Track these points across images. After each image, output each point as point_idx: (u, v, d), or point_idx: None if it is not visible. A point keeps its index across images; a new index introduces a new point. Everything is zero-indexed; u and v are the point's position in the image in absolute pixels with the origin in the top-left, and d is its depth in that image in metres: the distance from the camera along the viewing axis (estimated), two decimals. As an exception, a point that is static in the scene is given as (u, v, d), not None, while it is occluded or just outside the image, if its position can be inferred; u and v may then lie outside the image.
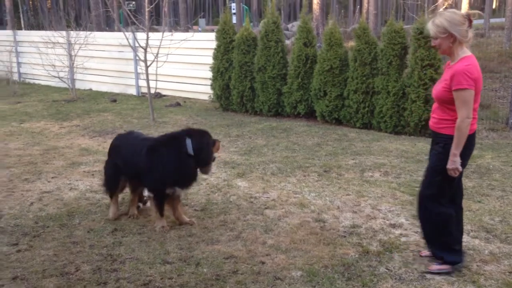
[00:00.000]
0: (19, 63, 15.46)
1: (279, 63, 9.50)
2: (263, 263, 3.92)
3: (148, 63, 9.51)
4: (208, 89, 10.86)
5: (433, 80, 7.70)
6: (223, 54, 10.18)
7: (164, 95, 12.24)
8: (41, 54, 12.75)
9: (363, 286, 3.55)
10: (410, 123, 8.00)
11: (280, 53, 9.50)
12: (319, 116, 9.09)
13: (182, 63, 11.80)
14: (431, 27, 3.56)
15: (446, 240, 3.74)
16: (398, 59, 8.12)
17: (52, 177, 6.11)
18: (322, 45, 9.20)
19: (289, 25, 26.95)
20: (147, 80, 9.68)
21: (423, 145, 7.32)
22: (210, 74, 10.59)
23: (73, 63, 12.57)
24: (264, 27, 9.73)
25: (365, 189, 5.57)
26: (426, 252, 3.98)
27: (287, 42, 10.77)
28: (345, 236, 4.38)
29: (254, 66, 9.73)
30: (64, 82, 12.74)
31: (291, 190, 5.63)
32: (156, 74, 10.61)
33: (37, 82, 15.02)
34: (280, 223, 4.70)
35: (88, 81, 13.70)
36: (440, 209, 3.68)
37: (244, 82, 9.92)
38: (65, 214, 4.90)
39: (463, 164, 3.55)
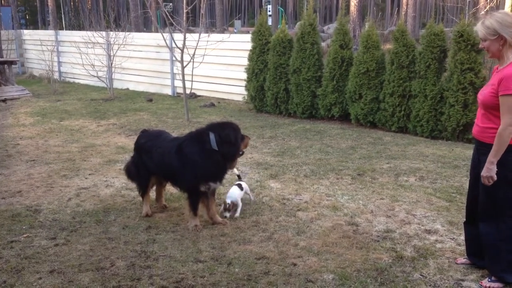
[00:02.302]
0: (59, 62, 15.92)
1: (314, 65, 9.46)
2: (294, 265, 3.91)
3: (184, 63, 9.63)
4: (242, 90, 10.91)
5: (473, 84, 7.51)
6: (258, 55, 10.21)
7: (199, 96, 12.36)
8: (81, 53, 13.09)
9: (396, 292, 3.49)
10: (447, 128, 7.82)
11: (316, 55, 9.45)
12: (353, 119, 8.99)
13: (217, 64, 11.90)
14: (480, 28, 3.42)
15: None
16: (437, 62, 7.95)
17: (89, 174, 6.26)
18: (358, 47, 9.11)
19: (325, 27, 26.79)
20: (183, 80, 9.80)
21: (461, 151, 7.14)
22: (244, 75, 10.64)
23: (111, 63, 12.85)
24: (300, 29, 9.71)
25: (400, 193, 5.47)
26: (462, 260, 3.88)
27: (323, 44, 10.68)
28: (378, 241, 4.32)
29: (289, 68, 9.72)
30: (103, 81, 13.04)
31: (324, 192, 5.58)
32: (192, 75, 10.72)
33: (76, 81, 15.43)
34: (313, 226, 4.67)
35: (126, 81, 13.98)
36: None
37: (278, 84, 9.92)
38: (101, 210, 5.01)
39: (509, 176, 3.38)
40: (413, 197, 5.33)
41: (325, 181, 5.98)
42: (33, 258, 3.97)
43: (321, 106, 9.45)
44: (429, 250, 4.07)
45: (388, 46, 10.77)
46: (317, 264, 3.91)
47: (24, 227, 4.57)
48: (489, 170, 3.35)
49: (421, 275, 3.70)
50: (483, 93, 3.44)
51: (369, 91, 8.64)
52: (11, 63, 13.39)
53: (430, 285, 3.57)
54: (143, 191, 4.93)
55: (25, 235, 4.39)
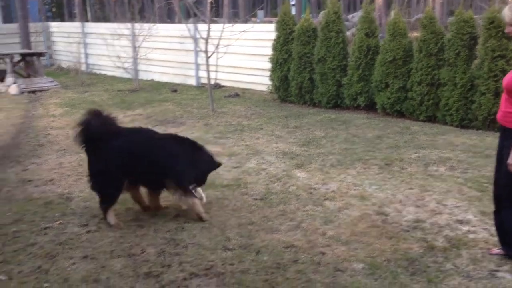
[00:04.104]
0: (86, 54, 16.12)
1: (339, 54, 9.35)
2: (323, 253, 3.90)
3: (209, 54, 9.64)
4: (267, 80, 10.87)
5: (504, 72, 7.30)
6: (282, 45, 10.15)
7: (223, 86, 12.37)
8: (107, 45, 13.22)
9: (428, 282, 3.45)
10: (478, 117, 7.65)
11: (341, 44, 9.34)
12: (380, 108, 8.88)
13: (241, 54, 11.87)
14: (507, 13, 3.36)
15: None
16: (467, 49, 7.77)
17: (118, 163, 6.34)
18: (385, 35, 8.97)
19: (349, 16, 26.44)
20: (208, 70, 9.82)
21: (492, 140, 6.97)
22: (268, 65, 10.59)
23: (137, 54, 12.96)
24: (324, 18, 9.61)
25: (429, 183, 5.39)
26: (496, 250, 3.81)
27: (347, 33, 10.53)
28: (408, 231, 4.27)
29: (314, 57, 9.64)
30: (128, 72, 13.17)
31: (351, 182, 5.54)
32: (217, 65, 10.74)
33: (103, 72, 15.61)
34: (340, 215, 4.65)
35: (151, 72, 14.08)
36: None
37: (303, 74, 9.85)
38: (130, 199, 5.07)
39: None
40: (443, 187, 5.25)
41: (352, 170, 5.94)
42: (66, 244, 4.06)
43: (347, 95, 9.36)
44: (461, 241, 4.01)
45: (414, 34, 10.56)
46: (346, 254, 3.90)
47: (57, 214, 4.67)
48: None
49: (454, 266, 3.65)
50: (507, 78, 3.43)
51: (396, 80, 8.51)
52: (39, 55, 13.61)
53: (463, 276, 3.52)
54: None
55: (58, 222, 4.49)
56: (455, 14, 8.12)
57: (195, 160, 4.65)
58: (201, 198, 4.75)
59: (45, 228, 4.38)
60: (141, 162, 4.45)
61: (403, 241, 4.07)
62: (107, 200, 4.47)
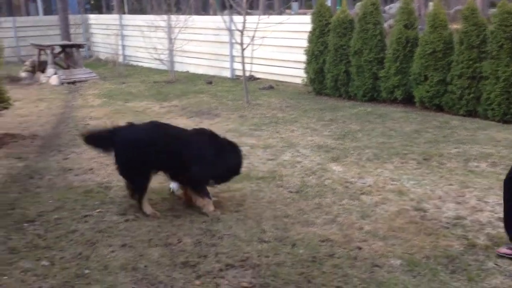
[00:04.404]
0: (123, 46, 16.38)
1: (376, 46, 9.19)
2: (360, 248, 3.86)
3: (244, 46, 9.64)
4: (301, 73, 10.79)
5: (551, 65, 7.04)
6: (318, 37, 10.04)
7: (257, 78, 12.36)
8: (144, 37, 13.39)
9: (469, 280, 3.37)
10: (521, 112, 7.40)
11: (378, 36, 9.18)
12: (418, 102, 8.69)
13: (276, 46, 11.81)
14: None
15: None
16: (510, 42, 7.49)
17: (154, 154, 6.42)
18: (424, 27, 8.75)
19: (386, 7, 25.90)
20: (243, 63, 9.82)
21: (536, 136, 6.74)
22: (303, 58, 10.51)
23: (172, 46, 13.08)
24: (362, 9, 9.45)
25: (470, 179, 5.25)
26: (505, 250, 3.68)
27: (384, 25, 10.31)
28: (448, 228, 4.17)
29: (350, 49, 9.50)
30: (164, 64, 13.31)
31: (388, 176, 5.46)
32: (252, 57, 10.73)
33: (139, 64, 15.84)
34: (377, 210, 4.58)
35: (186, 64, 14.20)
36: None
37: (339, 66, 9.73)
38: (166, 189, 5.14)
39: None
40: (485, 184, 5.10)
41: (389, 165, 5.84)
42: (105, 232, 4.15)
43: (383, 88, 9.20)
44: (503, 239, 3.88)
45: (454, 26, 10.26)
46: (384, 249, 3.84)
47: (96, 203, 4.78)
48: None
49: (496, 264, 3.55)
50: None
51: (436, 73, 8.30)
52: (78, 46, 13.92)
53: (505, 275, 3.42)
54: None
55: (97, 210, 4.59)
56: (498, 6, 7.84)
57: (218, 160, 4.56)
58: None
59: (85, 216, 4.48)
60: (164, 156, 4.48)
61: (442, 238, 3.98)
62: (138, 190, 4.53)
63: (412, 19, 8.87)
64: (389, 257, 3.72)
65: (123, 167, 4.53)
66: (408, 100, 9.04)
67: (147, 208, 4.51)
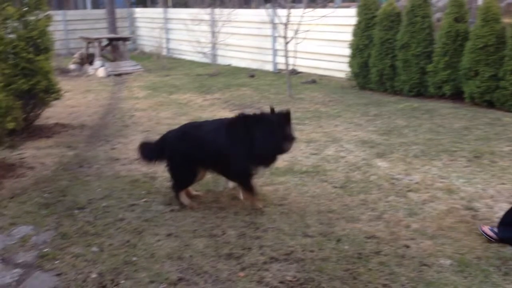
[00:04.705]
0: (167, 39, 16.61)
1: (424, 40, 8.94)
2: (407, 247, 3.77)
3: (287, 39, 9.57)
4: (345, 67, 10.63)
5: None
6: (363, 30, 9.86)
7: (300, 72, 12.26)
8: (188, 30, 13.52)
9: (523, 283, 3.24)
10: None
11: (427, 29, 8.92)
12: (467, 98, 8.40)
13: (319, 40, 11.66)
14: None
15: None
16: None
17: (198, 146, 6.49)
18: (475, 20, 8.44)
19: (434, 0, 25.15)
20: (286, 56, 9.76)
21: None
22: (347, 51, 10.35)
23: (216, 40, 13.15)
24: (410, 2, 9.19)
25: (524, 179, 5.04)
26: (487, 229, 3.80)
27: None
28: (500, 228, 4.02)
29: (397, 43, 9.28)
30: (207, 57, 13.41)
31: (436, 174, 5.30)
32: (295, 51, 10.65)
33: (182, 57, 16.03)
34: (425, 208, 4.46)
35: (228, 57, 14.25)
36: None
37: (384, 60, 9.52)
38: (211, 181, 5.17)
39: None
40: (540, 184, 4.89)
41: (437, 162, 5.68)
42: (152, 221, 4.22)
43: (431, 83, 8.94)
44: (560, 241, 3.71)
45: (506, 19, 9.84)
46: (432, 248, 3.74)
47: (142, 192, 4.87)
48: None
49: (553, 268, 3.39)
50: None
51: (487, 68, 8.00)
52: (125, 39, 14.21)
53: None
54: None
55: (143, 200, 4.68)
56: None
57: (253, 147, 4.26)
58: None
59: (132, 204, 4.57)
60: (206, 151, 4.42)
61: (495, 239, 3.84)
62: (180, 184, 4.57)
63: (462, 12, 8.57)
64: (439, 256, 3.62)
65: (171, 162, 4.56)
66: (456, 96, 8.76)
67: (184, 199, 4.55)
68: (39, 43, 6.80)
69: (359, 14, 9.94)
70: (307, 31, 10.49)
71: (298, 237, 3.93)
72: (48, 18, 7.02)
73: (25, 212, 4.43)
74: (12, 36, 6.54)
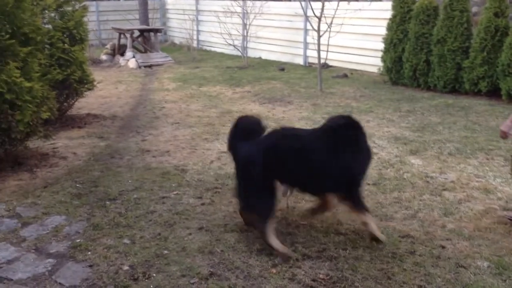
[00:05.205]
0: (198, 31, 16.63)
1: (462, 35, 8.69)
2: (443, 247, 3.67)
3: (321, 33, 9.44)
4: (377, 61, 10.44)
5: None
6: (398, 24, 9.64)
7: (331, 66, 12.11)
8: (219, 22, 13.50)
9: None
10: None
11: (465, 24, 8.67)
12: (505, 95, 8.13)
13: (352, 34, 11.46)
14: None
15: None
16: None
17: (228, 139, 6.47)
18: (516, 15, 8.16)
19: (469, -6, 24.51)
20: (318, 50, 9.64)
21: None
22: (380, 46, 10.14)
23: (247, 32, 13.09)
24: (447, -5, 8.95)
25: None
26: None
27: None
28: (541, 231, 3.87)
29: (433, 37, 9.04)
30: (238, 50, 13.37)
31: (472, 173, 5.15)
32: (328, 45, 10.49)
33: (212, 49, 16.04)
34: (461, 207, 4.34)
35: (259, 50, 14.18)
36: None
37: (419, 55, 9.30)
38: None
39: None
40: None
41: (473, 160, 5.52)
42: (182, 214, 4.22)
43: (467, 79, 8.70)
44: None
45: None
46: (469, 249, 3.63)
47: (173, 185, 4.87)
48: (505, 126, 3.66)
49: None
50: None
51: (527, 64, 7.73)
52: (156, 31, 14.30)
53: None
54: None
55: (174, 192, 4.68)
56: None
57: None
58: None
59: (163, 197, 4.58)
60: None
61: (535, 242, 3.70)
62: (268, 212, 3.62)
63: (503, 6, 8.29)
64: (476, 258, 3.51)
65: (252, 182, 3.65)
66: (493, 93, 8.50)
67: (275, 241, 3.57)
68: (74, 34, 6.89)
69: (395, 7, 9.74)
70: (342, 24, 10.32)
71: (331, 234, 3.87)
72: (85, 8, 7.11)
73: (58, 202, 4.49)
74: (48, 26, 6.62)
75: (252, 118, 4.17)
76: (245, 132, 3.85)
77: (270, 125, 7.01)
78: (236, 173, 3.81)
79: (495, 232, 3.89)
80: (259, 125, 3.94)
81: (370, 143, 6.08)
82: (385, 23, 10.01)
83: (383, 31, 10.05)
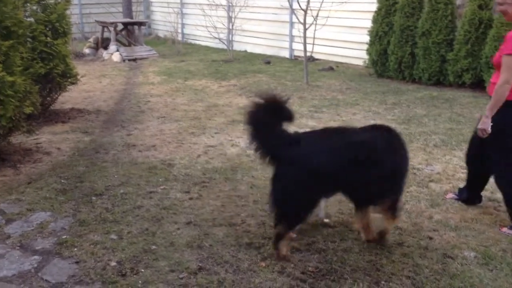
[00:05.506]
0: (183, 24, 16.49)
1: (446, 28, 8.75)
2: (430, 238, 3.70)
3: (306, 26, 9.42)
4: (363, 54, 10.47)
5: None
6: (383, 17, 9.67)
7: (317, 59, 12.11)
8: (204, 15, 13.40)
9: (553, 279, 3.15)
10: None
11: (449, 17, 8.73)
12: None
13: (338, 26, 11.46)
14: None
15: None
16: None
17: (215, 133, 6.44)
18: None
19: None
20: (304, 43, 9.62)
21: None
22: (366, 38, 10.17)
23: (232, 25, 13.02)
24: (432, -12, 8.99)
25: (550, 171, 4.90)
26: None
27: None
28: (526, 221, 3.92)
29: (418, 30, 9.09)
30: (223, 43, 13.29)
31: (457, 164, 5.20)
32: (314, 38, 10.48)
33: (197, 42, 15.92)
34: (448, 199, 4.37)
35: (244, 43, 14.11)
36: None
37: (404, 48, 9.35)
38: (229, 169, 5.13)
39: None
40: None
41: (458, 152, 5.56)
42: (170, 209, 4.19)
43: (451, 72, 8.77)
44: None
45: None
46: (456, 240, 3.67)
47: (160, 179, 4.83)
48: (483, 123, 3.70)
49: None
50: (494, 58, 3.91)
51: (510, 57, 7.80)
52: (140, 24, 14.14)
53: None
54: None
55: (162, 187, 4.64)
56: None
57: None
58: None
59: (150, 192, 4.54)
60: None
61: (520, 232, 3.75)
62: (296, 219, 3.43)
63: (487, -1, 8.36)
64: (462, 248, 3.54)
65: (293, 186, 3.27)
66: (477, 85, 8.58)
67: (285, 246, 3.40)
68: (57, 27, 6.76)
69: (380, 0, 9.75)
70: (327, 17, 10.32)
71: (319, 227, 3.87)
72: (67, 1, 7.00)
73: (43, 198, 4.41)
74: (30, 19, 6.49)
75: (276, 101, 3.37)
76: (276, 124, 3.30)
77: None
78: (284, 179, 3.26)
79: (481, 222, 3.93)
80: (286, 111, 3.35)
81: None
82: (370, 16, 10.03)
83: (369, 23, 10.07)
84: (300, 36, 9.84)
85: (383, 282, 3.15)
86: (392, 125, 6.58)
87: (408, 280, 3.18)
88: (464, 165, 5.12)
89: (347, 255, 3.45)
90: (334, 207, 4.21)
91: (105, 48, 13.33)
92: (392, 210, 3.51)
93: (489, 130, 3.68)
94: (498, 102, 3.63)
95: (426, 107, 7.64)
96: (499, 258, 3.41)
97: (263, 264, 3.34)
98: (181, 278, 3.19)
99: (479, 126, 3.74)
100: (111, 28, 13.21)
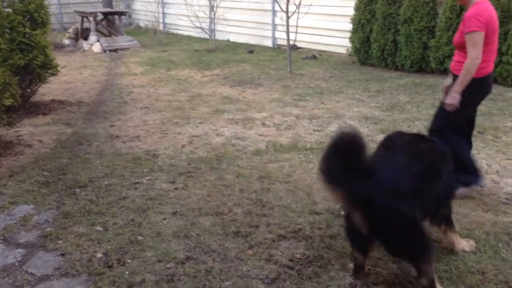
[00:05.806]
0: (164, 14, 16.30)
1: (428, 14, 8.78)
2: (415, 223, 3.72)
3: (289, 14, 9.39)
4: (346, 42, 10.47)
5: None
6: (366, 4, 9.66)
7: (300, 47, 12.08)
8: (186, 5, 13.26)
9: (534, 260, 3.21)
10: None
11: (430, 3, 8.75)
12: (470, 73, 8.30)
13: (321, 14, 11.44)
14: None
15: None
16: None
17: (199, 123, 6.40)
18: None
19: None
20: (287, 31, 9.59)
21: None
22: (348, 26, 10.17)
23: (214, 14, 12.91)
24: (413, -25, 9.01)
25: (530, 154, 4.99)
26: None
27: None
28: (507, 203, 3.99)
29: (400, 17, 9.12)
30: (206, 32, 13.18)
31: (441, 150, 5.25)
32: (296, 26, 10.45)
33: (179, 32, 15.77)
34: (432, 184, 4.42)
35: (227, 32, 14.01)
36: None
37: (386, 35, 9.37)
38: (214, 158, 5.11)
39: (473, 104, 4.12)
40: (546, 159, 4.85)
41: (441, 138, 5.62)
42: (156, 199, 4.16)
43: (433, 58, 8.82)
44: None
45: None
46: (440, 224, 3.70)
47: (145, 170, 4.79)
48: (453, 98, 3.85)
49: None
50: (455, 38, 4.08)
51: (491, 43, 7.88)
52: (121, 14, 13.94)
53: None
54: None
55: (147, 178, 4.61)
56: None
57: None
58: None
59: (135, 183, 4.50)
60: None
61: (502, 215, 3.81)
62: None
63: (467, -15, 8.40)
64: (447, 233, 3.58)
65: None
66: (459, 71, 8.65)
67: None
68: (36, 17, 6.62)
69: (362, -13, 9.75)
70: (310, 5, 10.28)
71: (306, 214, 3.88)
72: (45, -9, 6.84)
73: (25, 191, 4.35)
74: (8, 10, 6.35)
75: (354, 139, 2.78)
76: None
77: (241, 108, 7.05)
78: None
79: (465, 206, 3.98)
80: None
81: (341, 123, 6.21)
82: (353, 4, 10.02)
83: (351, 11, 10.06)
84: (283, 25, 9.82)
85: (369, 267, 3.17)
86: (376, 112, 6.68)
87: (393, 265, 3.21)
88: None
89: (334, 241, 3.47)
90: (320, 194, 4.22)
91: (85, 38, 13.13)
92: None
93: (458, 105, 3.84)
94: (467, 77, 3.79)
95: (409, 94, 7.69)
96: (483, 240, 3.46)
97: (251, 252, 3.34)
98: (169, 268, 3.18)
99: (449, 101, 3.88)
100: (91, 18, 13.00)
